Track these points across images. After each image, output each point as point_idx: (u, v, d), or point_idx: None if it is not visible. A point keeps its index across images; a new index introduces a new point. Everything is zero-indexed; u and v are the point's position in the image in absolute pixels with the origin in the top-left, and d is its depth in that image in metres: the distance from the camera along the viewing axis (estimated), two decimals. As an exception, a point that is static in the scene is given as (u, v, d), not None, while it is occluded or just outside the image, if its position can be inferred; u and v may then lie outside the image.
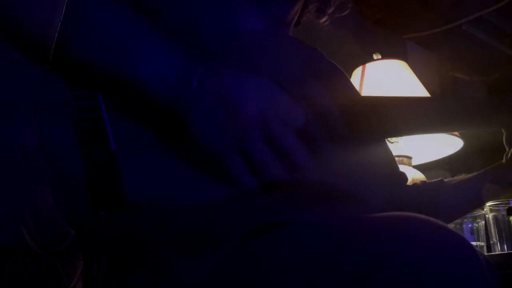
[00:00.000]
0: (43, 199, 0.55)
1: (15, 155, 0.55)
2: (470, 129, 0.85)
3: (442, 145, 1.75)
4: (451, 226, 1.53)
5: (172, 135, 0.62)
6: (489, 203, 1.60)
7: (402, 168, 1.06)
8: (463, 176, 0.97)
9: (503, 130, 0.94)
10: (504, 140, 0.94)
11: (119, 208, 0.58)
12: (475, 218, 1.63)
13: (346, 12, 1.00)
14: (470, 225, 1.63)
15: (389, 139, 1.59)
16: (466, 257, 0.50)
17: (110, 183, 0.58)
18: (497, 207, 1.57)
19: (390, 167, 0.91)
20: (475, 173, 0.96)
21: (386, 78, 1.73)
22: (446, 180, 0.97)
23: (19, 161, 0.55)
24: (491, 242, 1.60)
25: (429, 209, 0.91)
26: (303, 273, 0.53)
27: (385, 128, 0.77)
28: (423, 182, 0.96)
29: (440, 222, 0.54)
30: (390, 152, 0.94)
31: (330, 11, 0.95)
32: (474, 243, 1.59)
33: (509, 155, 0.93)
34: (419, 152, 1.77)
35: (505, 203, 1.57)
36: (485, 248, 1.62)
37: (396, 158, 1.07)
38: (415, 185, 0.96)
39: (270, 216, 0.64)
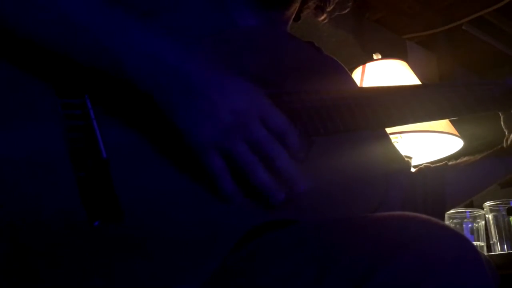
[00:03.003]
0: (36, 207, 0.53)
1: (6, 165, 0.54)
2: (467, 115, 0.84)
3: (442, 145, 1.75)
4: (451, 226, 1.53)
5: (160, 134, 0.62)
6: (489, 203, 1.60)
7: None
8: (467, 159, 0.96)
9: (500, 114, 0.93)
10: (502, 123, 0.94)
11: (115, 217, 0.57)
12: (475, 218, 1.63)
13: (346, 10, 0.99)
14: (470, 225, 1.63)
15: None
16: (467, 257, 0.50)
17: (103, 192, 0.57)
18: (497, 207, 1.57)
19: (391, 157, 0.90)
20: (478, 156, 0.95)
21: (386, 78, 1.73)
22: (450, 163, 0.96)
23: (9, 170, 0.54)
24: (491, 242, 1.60)
25: (434, 195, 0.91)
26: (303, 273, 0.53)
27: (382, 119, 0.76)
28: (427, 167, 0.95)
29: (441, 222, 0.54)
30: (390, 143, 0.93)
31: (329, 9, 0.95)
32: (474, 243, 1.59)
33: (509, 140, 0.93)
34: (419, 152, 1.77)
35: (505, 203, 1.57)
36: (485, 248, 1.62)
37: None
38: (420, 170, 0.95)
39: (269, 216, 0.64)
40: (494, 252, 1.57)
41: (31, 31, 0.58)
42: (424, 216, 0.54)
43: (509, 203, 1.56)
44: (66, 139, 0.58)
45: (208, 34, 0.74)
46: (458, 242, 0.51)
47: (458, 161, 0.97)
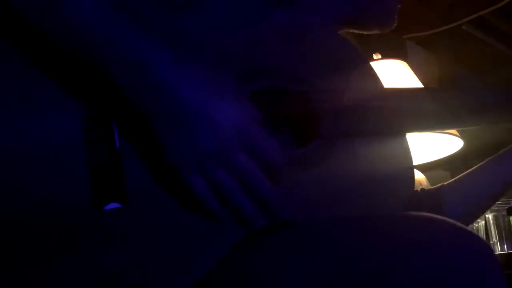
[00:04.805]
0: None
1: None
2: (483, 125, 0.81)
3: (442, 145, 1.75)
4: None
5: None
6: (489, 203, 1.59)
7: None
8: (471, 169, 0.89)
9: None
10: None
11: (120, 202, 0.58)
12: (475, 218, 1.63)
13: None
14: (470, 225, 1.63)
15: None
16: (486, 261, 0.49)
17: (113, 180, 0.58)
18: (497, 207, 1.57)
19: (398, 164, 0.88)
20: (485, 163, 0.89)
21: (386, 78, 1.74)
22: (448, 182, 0.90)
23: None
24: (491, 242, 1.60)
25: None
26: (316, 271, 0.53)
27: (393, 124, 0.75)
28: (423, 191, 0.90)
29: (459, 224, 0.53)
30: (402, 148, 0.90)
31: None
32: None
33: None
34: (419, 152, 1.77)
35: (505, 203, 1.57)
36: (485, 248, 1.62)
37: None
38: (415, 193, 0.89)
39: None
40: (494, 252, 1.57)
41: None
42: (441, 217, 0.54)
43: (509, 203, 1.56)
44: (83, 127, 0.58)
45: (242, 27, 0.72)
46: (476, 245, 0.51)
47: (460, 175, 0.90)
